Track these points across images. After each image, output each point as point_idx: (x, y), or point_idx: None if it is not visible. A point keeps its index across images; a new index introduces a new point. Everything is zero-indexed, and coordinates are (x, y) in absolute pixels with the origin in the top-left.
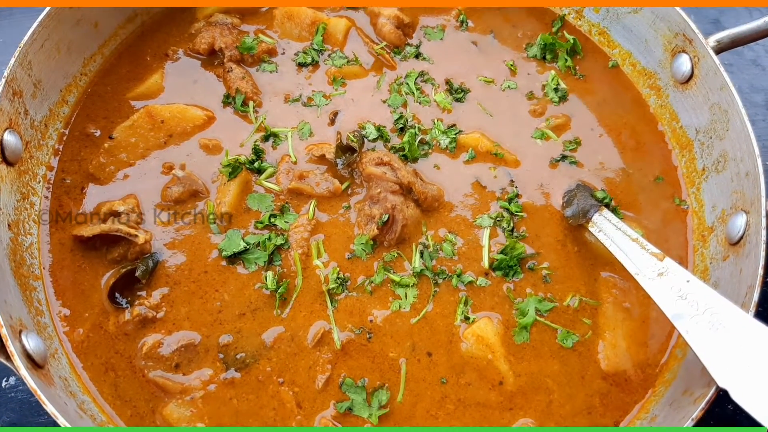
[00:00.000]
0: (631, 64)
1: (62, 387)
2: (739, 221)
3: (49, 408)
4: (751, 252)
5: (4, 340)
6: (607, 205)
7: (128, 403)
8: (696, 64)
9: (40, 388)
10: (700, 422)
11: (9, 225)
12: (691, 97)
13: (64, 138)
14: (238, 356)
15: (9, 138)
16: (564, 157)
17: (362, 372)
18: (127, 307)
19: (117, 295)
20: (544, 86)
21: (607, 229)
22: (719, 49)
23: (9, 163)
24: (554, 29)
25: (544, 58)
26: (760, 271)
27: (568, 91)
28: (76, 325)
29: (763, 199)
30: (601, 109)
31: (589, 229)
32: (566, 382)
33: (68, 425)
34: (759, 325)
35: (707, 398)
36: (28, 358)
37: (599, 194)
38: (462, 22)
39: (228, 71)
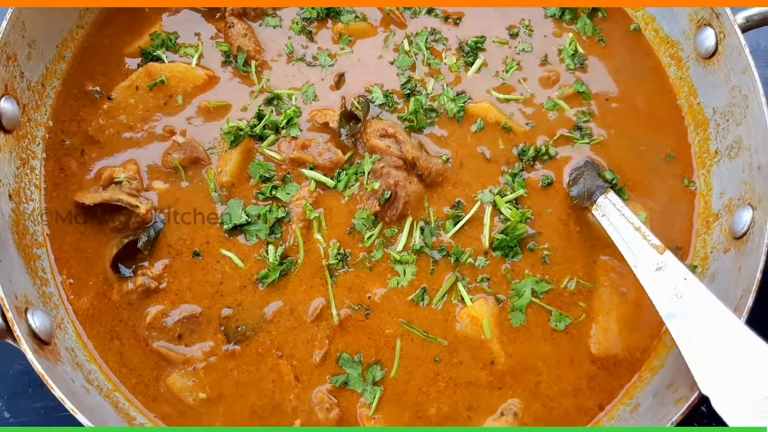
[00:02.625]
0: (654, 30)
1: (69, 360)
2: (746, 215)
3: (57, 393)
4: (753, 251)
5: (10, 324)
6: (613, 187)
7: (133, 371)
8: (721, 41)
9: (47, 370)
10: (682, 423)
11: (10, 195)
12: (713, 74)
13: (62, 97)
14: (238, 329)
15: (5, 105)
16: (576, 129)
17: (358, 347)
18: (131, 277)
19: (120, 265)
20: (560, 51)
21: (611, 214)
22: (747, 27)
23: (6, 131)
24: None
25: (562, 17)
26: (758, 276)
27: (585, 56)
28: (80, 293)
29: None
30: (619, 77)
31: (593, 212)
32: (555, 364)
33: (75, 409)
34: (750, 334)
35: (689, 402)
36: (34, 337)
37: (607, 174)
38: None
39: (229, 26)
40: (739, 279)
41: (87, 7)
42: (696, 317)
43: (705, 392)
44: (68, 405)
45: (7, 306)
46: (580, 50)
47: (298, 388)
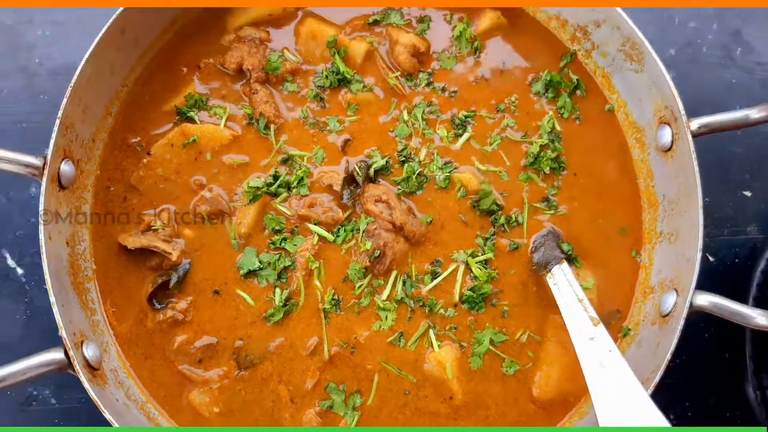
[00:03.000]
0: (625, 114)
1: (113, 379)
2: (671, 298)
3: (107, 416)
4: (670, 333)
5: (71, 359)
6: (569, 258)
7: (162, 386)
8: (675, 141)
9: (98, 394)
10: None
11: (67, 242)
12: (667, 166)
13: (108, 148)
14: (247, 357)
15: (65, 168)
16: (545, 200)
17: (343, 379)
18: (162, 309)
19: (153, 300)
20: (539, 126)
21: (561, 284)
22: (698, 134)
23: (64, 188)
24: (562, 64)
25: (546, 95)
26: (668, 356)
27: (561, 134)
28: (121, 320)
29: (691, 292)
30: (588, 153)
31: (547, 279)
32: (503, 403)
33: (117, 424)
34: (652, 405)
35: None
36: (88, 366)
37: (564, 246)
38: (476, 50)
39: (254, 93)
40: (656, 354)
41: (131, 67)
42: (612, 384)
43: None
44: (115, 425)
45: (69, 344)
46: (557, 128)
47: (292, 408)
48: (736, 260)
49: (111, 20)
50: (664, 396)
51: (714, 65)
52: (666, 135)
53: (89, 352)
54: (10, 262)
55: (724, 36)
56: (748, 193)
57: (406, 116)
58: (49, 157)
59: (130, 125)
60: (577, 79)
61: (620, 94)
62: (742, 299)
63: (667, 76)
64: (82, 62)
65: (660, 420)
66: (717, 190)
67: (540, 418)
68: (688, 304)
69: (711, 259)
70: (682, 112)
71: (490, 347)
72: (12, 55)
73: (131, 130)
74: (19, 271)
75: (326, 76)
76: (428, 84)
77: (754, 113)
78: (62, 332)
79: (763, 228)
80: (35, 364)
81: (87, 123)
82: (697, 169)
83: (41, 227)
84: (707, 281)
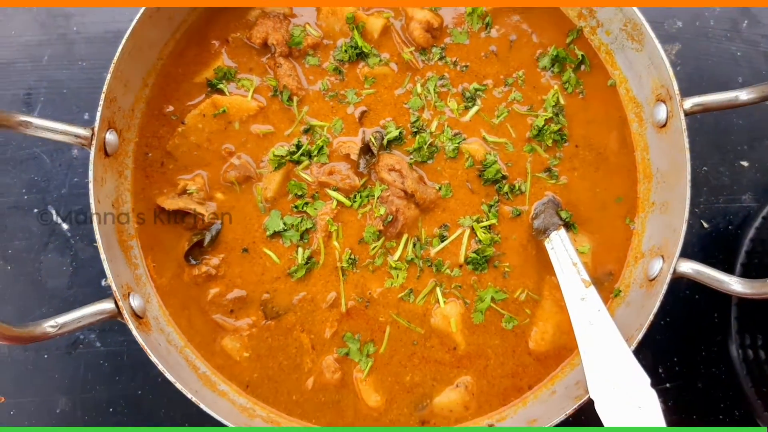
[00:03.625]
0: (626, 89)
1: (155, 326)
2: (657, 264)
3: (152, 358)
4: (654, 296)
5: (120, 308)
6: (566, 224)
7: (198, 332)
8: (670, 118)
9: (144, 339)
10: (576, 415)
11: (112, 204)
12: (662, 141)
13: (146, 117)
14: (273, 308)
15: (110, 137)
16: (547, 170)
17: (358, 329)
18: (197, 265)
19: (189, 256)
20: (544, 101)
21: (558, 248)
22: (691, 112)
23: (109, 155)
24: (568, 40)
25: (552, 70)
26: (651, 317)
27: (564, 107)
28: (161, 274)
29: (675, 259)
30: (590, 126)
31: (545, 244)
32: (501, 353)
33: (164, 368)
34: (633, 360)
35: (581, 401)
36: (134, 315)
37: (563, 213)
38: (487, 25)
39: (278, 66)
40: (640, 314)
41: (165, 42)
42: (599, 340)
43: (592, 396)
44: (160, 367)
45: (118, 296)
46: (561, 101)
47: (313, 354)
48: (730, 227)
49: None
50: (655, 351)
51: (720, 38)
52: (661, 112)
53: (135, 302)
54: (56, 219)
55: (731, 9)
56: (745, 163)
57: (419, 89)
58: (96, 128)
59: (165, 95)
60: (582, 55)
61: (622, 71)
62: (732, 265)
63: (665, 57)
64: (123, 40)
65: (640, 376)
66: (715, 159)
67: (534, 369)
68: (671, 270)
69: (705, 225)
70: (677, 91)
71: (491, 304)
72: (51, 23)
73: (166, 100)
74: (65, 226)
75: (345, 51)
76: (441, 58)
77: (743, 95)
78: (112, 284)
79: (757, 197)
80: (89, 312)
81: (128, 95)
82: (687, 146)
83: (91, 192)
84: (701, 247)
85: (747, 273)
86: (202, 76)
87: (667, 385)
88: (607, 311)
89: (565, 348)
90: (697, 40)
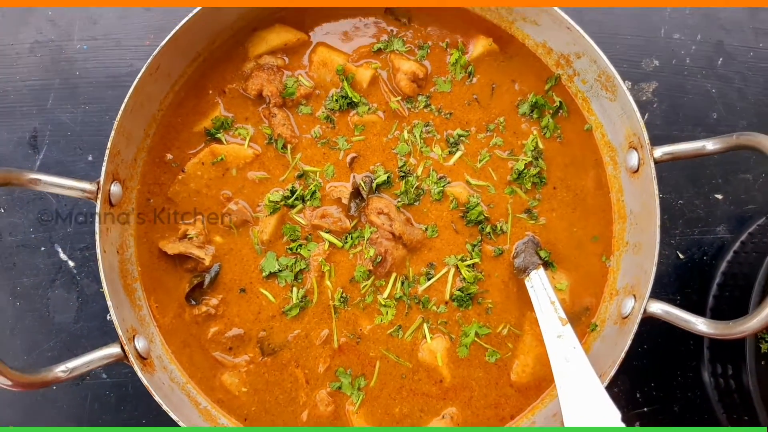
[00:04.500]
0: (601, 134)
1: (159, 365)
2: (630, 303)
3: (156, 398)
4: (626, 334)
5: (126, 352)
6: (545, 263)
7: (199, 369)
8: (641, 165)
9: (148, 380)
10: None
11: (117, 250)
12: (634, 185)
13: (148, 165)
14: (269, 345)
15: (114, 189)
16: (527, 211)
17: (350, 364)
18: (197, 305)
19: (190, 297)
20: (523, 145)
21: (537, 286)
22: (661, 160)
23: (113, 206)
24: (547, 87)
25: (531, 116)
26: (622, 355)
27: (543, 151)
28: (164, 314)
29: (645, 300)
30: (567, 169)
31: (525, 282)
32: (485, 385)
33: (167, 408)
34: (605, 395)
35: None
36: (139, 357)
37: (542, 253)
38: (470, 74)
39: (272, 116)
40: (613, 351)
41: (165, 94)
42: (574, 376)
43: (567, 425)
44: (164, 407)
45: (124, 340)
46: (540, 146)
47: (307, 388)
48: (705, 258)
49: (148, 61)
50: (633, 376)
51: (695, 75)
52: (633, 158)
53: (140, 344)
54: (63, 256)
55: (707, 47)
56: (719, 196)
57: (406, 136)
58: (101, 182)
59: (166, 144)
60: (560, 101)
61: (598, 117)
62: (706, 296)
63: (635, 108)
64: (126, 98)
65: (612, 411)
66: (690, 192)
67: (516, 400)
68: (642, 309)
69: (681, 256)
70: (647, 140)
71: (475, 339)
72: (55, 68)
73: (167, 148)
74: (71, 263)
75: (336, 100)
76: (426, 106)
77: (710, 145)
78: (118, 330)
79: (730, 228)
80: (98, 357)
81: (130, 147)
82: (656, 192)
83: (98, 243)
84: (677, 277)
85: (719, 306)
86: (201, 125)
87: (645, 409)
88: (581, 349)
89: (545, 380)
90: (673, 78)
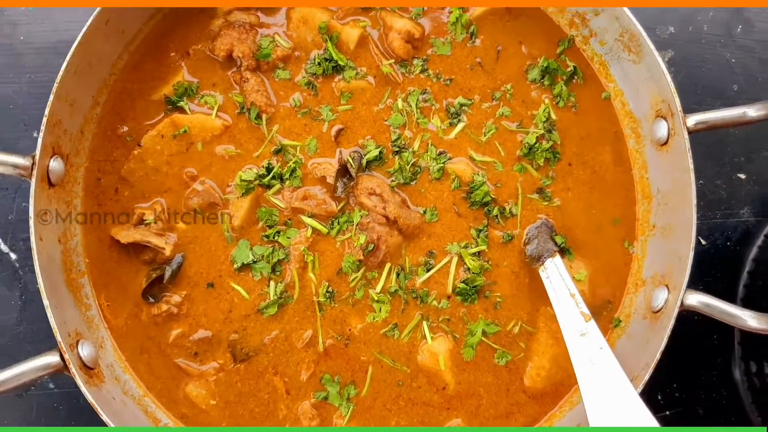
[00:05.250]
0: (621, 103)
1: (110, 375)
2: (662, 294)
3: (104, 417)
4: (660, 330)
5: (66, 362)
6: (562, 250)
7: (159, 379)
8: (671, 136)
9: (94, 395)
10: None
11: (59, 239)
12: (662, 159)
13: (98, 139)
14: (242, 350)
15: (54, 165)
16: (539, 191)
17: (338, 370)
18: (156, 303)
19: (147, 294)
20: (534, 116)
21: (553, 277)
22: (695, 130)
23: (53, 185)
24: (559, 51)
25: (542, 82)
26: (658, 356)
27: (556, 122)
28: (116, 314)
29: (682, 292)
30: (583, 143)
31: (539, 272)
32: (494, 392)
33: (114, 424)
34: (640, 403)
35: None
36: (83, 367)
37: (558, 238)
38: (472, 35)
39: (244, 81)
40: (645, 351)
41: (118, 55)
42: (602, 382)
43: None
44: (111, 425)
45: (63, 347)
46: (553, 116)
47: (288, 399)
48: (728, 243)
49: (93, 15)
50: (653, 376)
51: (714, 44)
52: (662, 129)
53: (84, 351)
54: (3, 248)
55: (724, 13)
56: (742, 176)
57: (400, 105)
58: (37, 156)
59: (119, 114)
60: (573, 66)
61: (617, 83)
62: (733, 286)
63: (666, 71)
64: (68, 57)
65: (649, 420)
66: (711, 172)
67: (531, 408)
68: (678, 303)
69: (703, 242)
70: (679, 108)
71: (483, 338)
72: None
73: (120, 119)
74: (13, 256)
75: (318, 63)
76: (423, 71)
77: (752, 112)
78: (57, 335)
79: (755, 211)
80: (31, 368)
81: (75, 116)
82: (692, 167)
83: (32, 230)
84: (699, 264)
85: (751, 295)
86: (160, 92)
87: (667, 412)
88: (610, 350)
89: (562, 384)
90: (690, 47)
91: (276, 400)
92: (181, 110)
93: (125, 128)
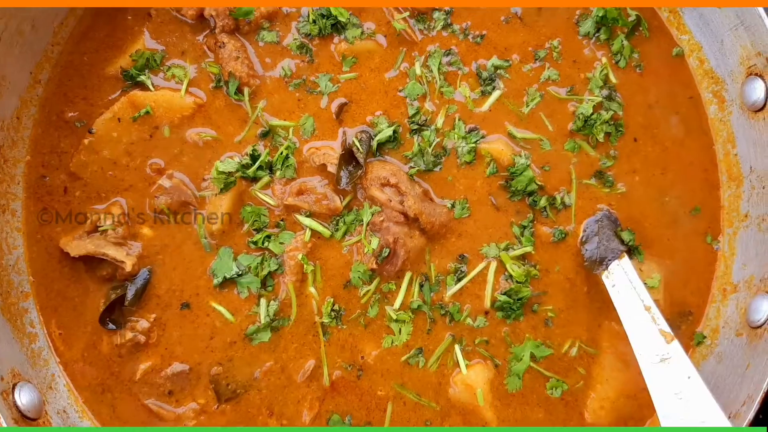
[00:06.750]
0: (699, 60)
1: (61, 424)
2: (764, 305)
3: None
4: (765, 353)
5: None
6: (630, 250)
7: (126, 424)
8: None
9: None
10: None
11: None
12: (757, 130)
13: (41, 126)
14: (228, 386)
15: None
16: (598, 174)
17: (349, 409)
18: (119, 330)
19: (108, 319)
20: (589, 79)
21: (621, 285)
22: None
23: None
24: None
25: (597, 36)
26: (765, 387)
27: (616, 87)
28: (70, 344)
29: None
30: (651, 112)
31: (603, 279)
32: None
33: None
34: None
35: None
36: (21, 418)
37: (625, 235)
38: None
39: (220, 46)
40: (745, 379)
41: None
42: (691, 420)
43: None
44: None
45: None
46: (612, 80)
47: None
48: None
49: None
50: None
51: None
52: (757, 90)
53: (23, 399)
54: None
55: None
56: None
57: (418, 70)
58: None
59: (66, 95)
60: (636, 15)
61: (693, 35)
62: None
63: (764, 15)
64: None
65: None
66: None
67: None
68: None
69: None
70: None
71: (532, 364)
72: None
73: (68, 100)
74: None
75: (313, 21)
76: (446, 26)
77: None
78: None
79: None
80: None
81: (6, 97)
82: None
83: None
84: None
85: None
86: (116, 64)
87: None
88: (701, 380)
89: (632, 419)
90: None
91: None
92: (142, 86)
93: (74, 113)
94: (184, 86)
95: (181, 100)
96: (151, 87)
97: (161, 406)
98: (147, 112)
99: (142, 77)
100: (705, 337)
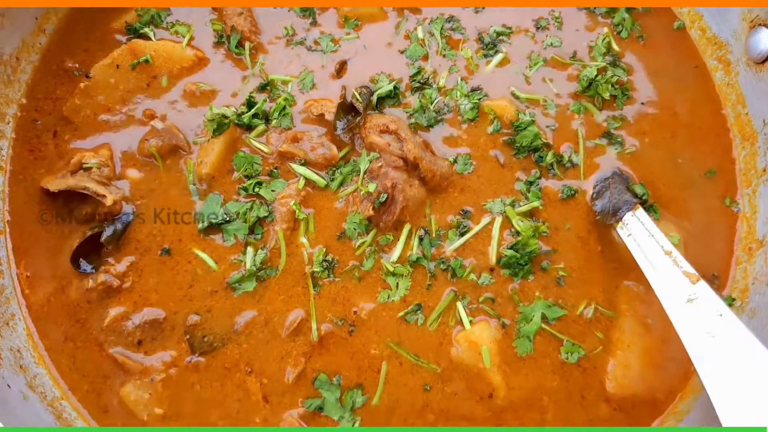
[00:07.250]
0: (701, 29)
1: (11, 362)
2: None
3: None
4: None
5: None
6: (643, 203)
7: (85, 377)
8: None
9: None
10: None
11: None
12: (766, 82)
13: (40, 73)
14: (205, 338)
15: None
16: (606, 135)
17: (338, 368)
18: (92, 273)
19: (81, 260)
20: (591, 47)
21: (638, 234)
22: None
23: None
24: None
25: (596, 9)
26: None
27: (620, 55)
28: (37, 288)
29: None
30: (657, 79)
31: (618, 230)
32: (564, 402)
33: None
34: None
35: None
36: None
37: (637, 188)
38: None
39: None
40: None
41: None
42: (731, 361)
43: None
44: None
45: None
46: (615, 47)
47: (266, 409)
48: None
49: None
50: None
51: None
52: (762, 40)
53: None
54: None
55: None
56: None
57: (420, 34)
58: None
59: (69, 46)
60: None
61: (693, 8)
62: None
63: None
64: None
65: None
66: None
67: (617, 425)
68: None
69: None
70: None
71: (543, 325)
72: None
73: (70, 52)
74: None
75: None
76: None
77: None
78: None
79: None
80: None
81: (8, 32)
82: None
83: None
84: None
85: None
86: (121, 20)
87: None
88: (732, 313)
89: (660, 390)
90: None
91: (249, 409)
92: (144, 37)
93: (74, 64)
94: (186, 39)
95: (182, 51)
96: (153, 38)
97: (128, 356)
98: (146, 61)
99: (146, 30)
100: (734, 299)
